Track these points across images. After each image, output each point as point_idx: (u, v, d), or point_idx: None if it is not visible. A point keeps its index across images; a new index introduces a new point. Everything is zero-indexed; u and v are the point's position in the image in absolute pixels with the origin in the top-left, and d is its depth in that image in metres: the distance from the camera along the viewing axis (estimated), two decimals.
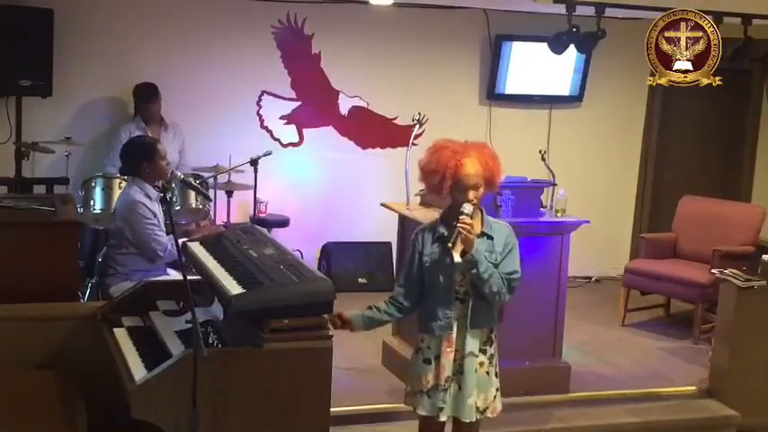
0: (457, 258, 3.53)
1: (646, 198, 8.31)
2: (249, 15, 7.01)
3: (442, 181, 3.59)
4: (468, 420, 3.67)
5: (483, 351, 3.69)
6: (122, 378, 3.39)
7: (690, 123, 8.37)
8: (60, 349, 4.11)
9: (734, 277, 5.32)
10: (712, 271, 5.67)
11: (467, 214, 3.52)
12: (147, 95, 6.53)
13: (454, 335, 3.65)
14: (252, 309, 3.35)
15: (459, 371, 3.67)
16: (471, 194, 3.57)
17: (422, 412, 3.72)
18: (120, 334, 3.81)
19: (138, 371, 3.38)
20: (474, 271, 3.55)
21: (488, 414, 3.72)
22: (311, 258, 7.25)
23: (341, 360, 4.58)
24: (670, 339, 6.51)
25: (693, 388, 5.50)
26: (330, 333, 3.44)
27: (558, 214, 5.38)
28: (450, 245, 3.51)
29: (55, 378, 3.89)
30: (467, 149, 3.63)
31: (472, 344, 3.66)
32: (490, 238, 3.64)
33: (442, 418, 3.68)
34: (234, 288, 3.41)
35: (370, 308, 3.81)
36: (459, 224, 3.49)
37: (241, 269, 3.61)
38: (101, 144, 6.67)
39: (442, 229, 3.66)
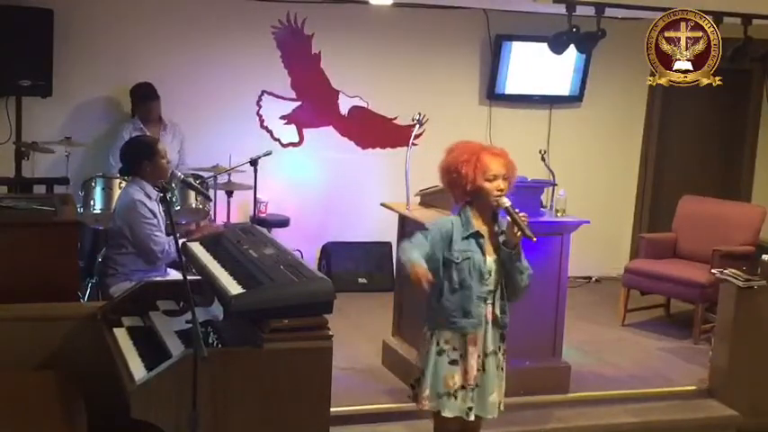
0: (490, 257, 3.66)
1: (646, 198, 8.31)
2: (249, 15, 7.01)
3: (475, 170, 3.62)
4: (491, 417, 3.74)
5: (499, 348, 3.76)
6: (122, 378, 3.39)
7: (690, 123, 8.37)
8: (60, 349, 4.11)
9: (734, 277, 5.31)
10: (712, 271, 5.67)
11: (512, 205, 3.60)
12: (145, 95, 6.53)
13: (480, 334, 3.68)
14: (252, 309, 3.35)
15: (480, 369, 3.70)
16: (502, 183, 3.63)
17: (449, 414, 3.70)
18: (120, 334, 3.81)
19: (138, 371, 3.38)
20: (518, 263, 3.63)
21: (500, 408, 3.79)
22: (311, 258, 7.25)
23: (341, 360, 4.58)
24: (670, 339, 6.50)
25: (693, 388, 5.50)
26: (330, 333, 3.44)
27: (558, 214, 5.38)
28: (530, 236, 3.56)
29: (55, 378, 3.88)
30: (489, 146, 3.78)
31: (494, 342, 3.71)
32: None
33: (471, 417, 3.70)
34: (234, 288, 3.41)
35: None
36: (521, 215, 3.57)
37: (241, 269, 3.61)
38: (101, 144, 6.66)
39: (477, 227, 3.67)
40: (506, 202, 3.63)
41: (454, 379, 3.68)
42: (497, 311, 3.70)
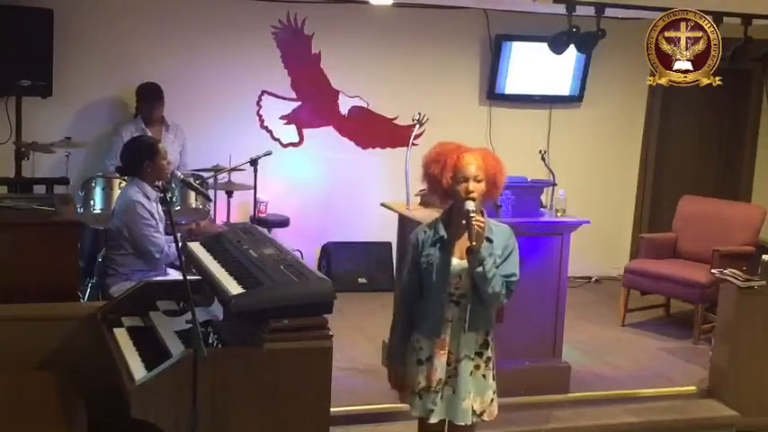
0: (460, 260, 3.56)
1: (646, 198, 8.31)
2: (249, 15, 7.01)
3: (442, 171, 3.55)
4: (462, 423, 3.64)
5: (479, 354, 3.66)
6: (122, 378, 3.39)
7: (690, 123, 8.37)
8: (60, 349, 4.11)
9: (734, 277, 5.32)
10: (712, 271, 5.68)
11: (473, 210, 3.49)
12: (151, 96, 6.53)
13: (448, 337, 3.63)
14: (252, 309, 3.35)
15: (453, 374, 3.64)
16: (472, 185, 3.53)
17: (414, 413, 3.70)
18: (120, 334, 3.81)
19: (138, 371, 3.38)
20: (480, 269, 3.51)
21: (485, 417, 3.68)
22: (311, 258, 7.25)
23: (341, 360, 4.60)
24: (670, 339, 6.50)
25: (693, 388, 5.50)
26: (330, 333, 3.44)
27: (558, 214, 5.38)
28: (473, 244, 3.47)
29: (55, 378, 3.89)
30: (470, 148, 3.65)
31: (467, 347, 3.63)
32: (489, 240, 3.59)
33: (433, 420, 3.65)
34: (234, 288, 3.42)
35: (395, 343, 3.75)
36: (474, 222, 3.46)
37: (241, 269, 3.62)
38: (101, 144, 6.66)
39: (443, 231, 3.63)
40: (468, 205, 3.52)
41: (419, 379, 3.65)
42: (466, 315, 3.61)
